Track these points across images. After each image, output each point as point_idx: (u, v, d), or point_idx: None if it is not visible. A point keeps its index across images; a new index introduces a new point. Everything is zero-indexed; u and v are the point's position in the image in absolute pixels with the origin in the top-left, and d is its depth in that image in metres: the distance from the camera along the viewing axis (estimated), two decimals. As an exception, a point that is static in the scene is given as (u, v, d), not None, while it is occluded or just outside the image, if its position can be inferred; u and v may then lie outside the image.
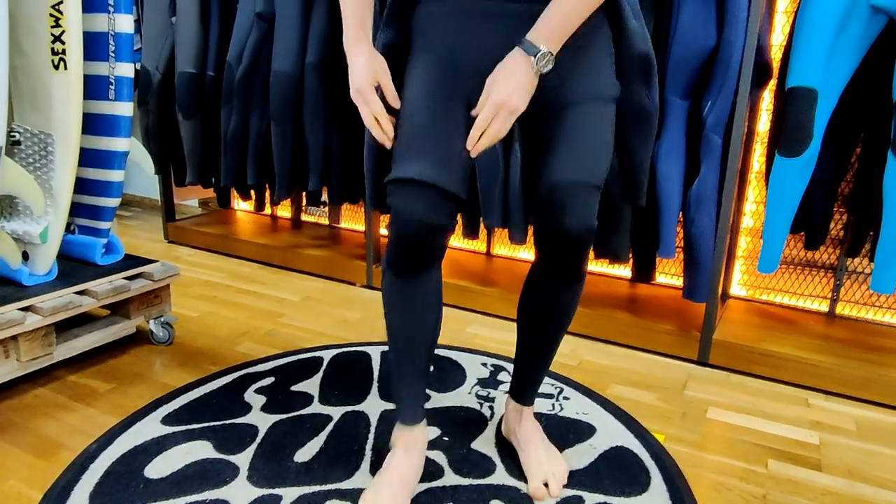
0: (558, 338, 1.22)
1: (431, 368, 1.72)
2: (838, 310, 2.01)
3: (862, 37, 1.47)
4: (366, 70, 1.04)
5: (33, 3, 1.46)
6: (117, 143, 1.65)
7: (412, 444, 1.20)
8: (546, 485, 1.21)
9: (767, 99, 1.92)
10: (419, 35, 1.10)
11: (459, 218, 2.22)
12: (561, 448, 1.36)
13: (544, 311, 1.18)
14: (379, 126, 1.05)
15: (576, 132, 1.03)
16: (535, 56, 0.97)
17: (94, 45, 1.58)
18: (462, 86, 1.05)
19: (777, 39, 1.89)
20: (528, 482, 1.23)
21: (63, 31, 1.45)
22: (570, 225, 1.02)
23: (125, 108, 1.63)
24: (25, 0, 1.47)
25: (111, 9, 1.54)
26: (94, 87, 1.61)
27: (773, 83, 1.83)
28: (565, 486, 1.24)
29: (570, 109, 1.04)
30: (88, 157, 1.67)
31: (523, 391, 1.30)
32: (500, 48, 1.01)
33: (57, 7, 1.44)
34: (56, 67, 1.48)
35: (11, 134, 1.57)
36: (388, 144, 1.07)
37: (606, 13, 1.07)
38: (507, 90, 0.98)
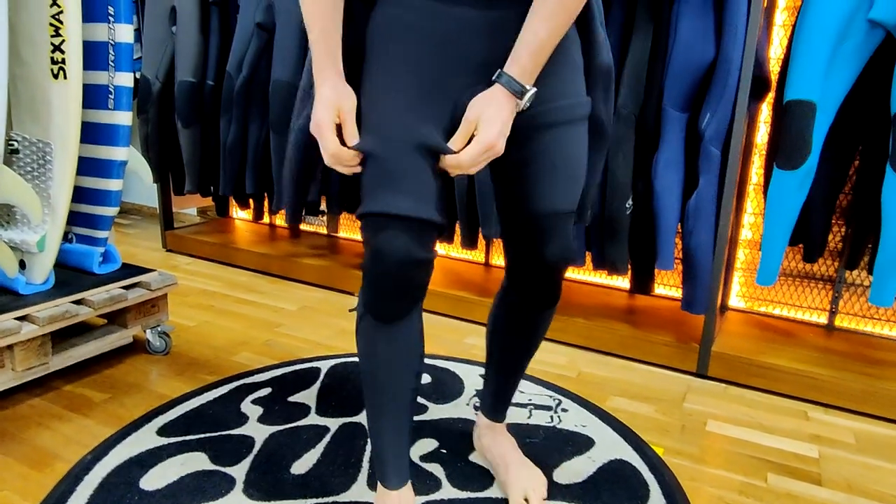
0: (530, 356, 1.21)
1: (429, 379, 1.71)
2: (837, 322, 2.01)
3: (860, 50, 1.48)
4: (327, 106, 0.94)
5: (33, 12, 1.46)
6: (116, 153, 1.64)
7: None
8: (526, 500, 1.20)
9: (766, 111, 1.93)
10: (378, 42, 0.98)
11: (458, 228, 2.22)
12: (559, 461, 1.35)
13: (518, 335, 1.16)
14: (340, 164, 0.96)
15: (554, 158, 0.99)
16: (521, 97, 0.91)
17: (94, 55, 1.58)
18: (434, 103, 0.96)
19: (775, 52, 1.90)
20: (509, 500, 1.21)
21: (63, 41, 1.45)
22: (551, 253, 1.01)
23: (124, 118, 1.62)
24: (26, 9, 1.47)
25: (111, 18, 1.55)
26: (94, 97, 1.61)
27: (771, 96, 1.84)
28: (563, 500, 1.23)
29: (546, 132, 0.98)
30: (87, 166, 1.67)
31: (495, 408, 1.29)
32: (478, 63, 0.95)
33: (57, 17, 1.44)
34: (56, 77, 1.48)
35: (10, 143, 1.57)
36: (354, 172, 0.98)
37: (576, 22, 1.01)
38: (495, 132, 0.90)
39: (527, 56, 0.91)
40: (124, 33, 1.56)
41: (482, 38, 0.95)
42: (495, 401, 1.28)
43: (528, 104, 0.93)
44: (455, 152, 0.92)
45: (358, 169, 0.96)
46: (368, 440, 1.41)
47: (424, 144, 0.93)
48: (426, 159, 0.94)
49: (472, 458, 1.36)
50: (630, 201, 1.82)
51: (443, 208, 0.97)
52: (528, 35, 0.90)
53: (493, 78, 0.93)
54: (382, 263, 0.92)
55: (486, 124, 0.90)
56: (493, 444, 1.30)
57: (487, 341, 1.23)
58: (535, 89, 0.92)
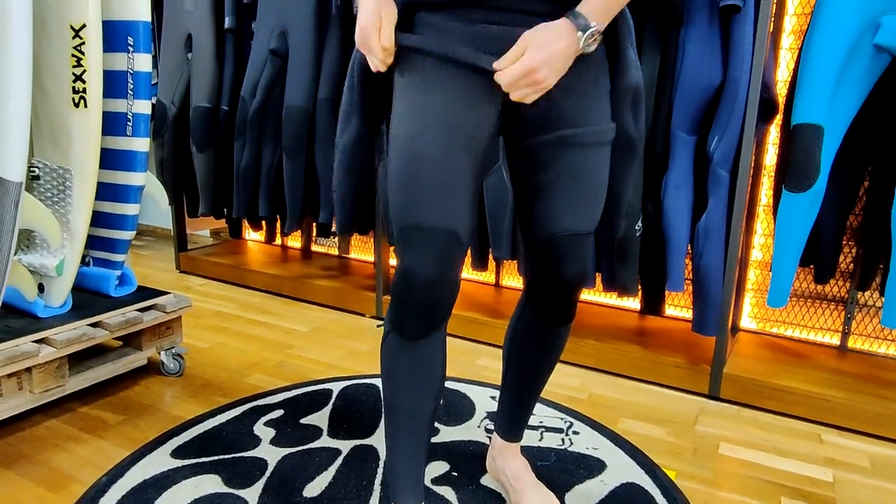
0: (547, 375, 1.22)
1: (440, 401, 1.71)
2: (850, 343, 2.00)
3: (866, 74, 1.49)
4: (371, 11, 0.94)
5: (57, 44, 1.51)
6: (133, 178, 1.68)
7: None
8: None
9: (774, 133, 1.94)
10: (412, 50, 0.98)
11: (469, 250, 2.24)
12: (570, 484, 1.35)
13: (534, 353, 1.17)
14: (377, 58, 0.95)
15: (576, 180, 1.00)
16: (584, 32, 0.87)
17: (114, 84, 1.62)
18: (469, 117, 0.96)
19: (782, 75, 1.92)
20: None
21: (84, 71, 1.50)
22: (569, 273, 1.03)
23: (142, 144, 1.66)
24: (49, 41, 1.52)
25: (131, 49, 1.59)
26: (113, 124, 1.65)
27: (779, 118, 1.85)
28: (575, 524, 1.22)
29: (569, 153, 0.99)
30: (105, 191, 1.70)
31: (510, 428, 1.29)
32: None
33: (79, 48, 1.49)
34: (76, 105, 1.52)
35: (31, 169, 1.61)
36: (384, 67, 0.98)
37: (605, 42, 1.01)
38: (541, 57, 0.86)
39: (600, 2, 0.88)
40: (143, 63, 1.61)
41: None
42: (510, 421, 1.28)
43: (591, 48, 0.89)
44: (492, 70, 0.90)
45: (386, 65, 0.97)
46: (381, 462, 1.42)
47: (462, 155, 0.95)
48: (465, 173, 0.96)
49: (484, 481, 1.36)
50: (640, 223, 1.83)
51: (474, 223, 0.99)
52: None
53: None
54: (415, 279, 0.95)
55: (534, 47, 0.87)
56: (507, 466, 1.30)
57: (504, 360, 1.25)
58: (599, 27, 0.88)
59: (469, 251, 2.22)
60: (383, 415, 1.09)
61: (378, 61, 0.96)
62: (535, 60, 0.86)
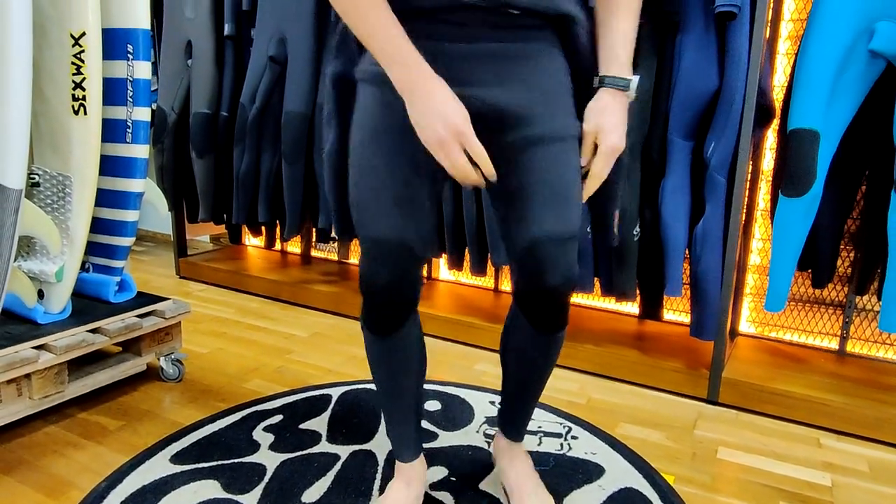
0: (545, 377, 1.20)
1: (439, 406, 1.72)
2: (849, 347, 2.00)
3: (861, 80, 1.50)
4: (459, 109, 0.90)
5: (56, 51, 1.52)
6: (133, 185, 1.69)
7: (411, 478, 1.24)
8: None
9: (772, 138, 1.95)
10: (378, 68, 0.98)
11: (467, 254, 2.25)
12: (569, 489, 1.35)
13: (529, 358, 1.17)
14: (467, 178, 0.93)
15: (545, 177, 1.00)
16: (629, 89, 0.98)
17: (113, 91, 1.63)
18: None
19: (779, 80, 1.93)
20: None
21: (84, 79, 1.50)
22: (553, 280, 1.01)
23: (141, 151, 1.67)
24: (49, 48, 1.53)
25: (130, 56, 1.60)
26: (112, 131, 1.66)
27: (776, 123, 1.86)
28: (574, 529, 1.23)
29: (534, 152, 1.00)
30: (104, 198, 1.71)
31: (512, 426, 1.29)
32: (483, 88, 0.98)
33: (79, 56, 1.50)
34: (76, 113, 1.53)
35: (31, 176, 1.62)
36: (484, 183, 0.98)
37: (563, 50, 1.04)
38: (618, 134, 0.98)
39: (622, 51, 0.98)
40: (143, 70, 1.62)
41: (495, 66, 0.99)
42: (512, 420, 1.28)
43: (635, 93, 0.99)
44: (586, 169, 1.01)
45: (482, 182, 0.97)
46: (379, 468, 1.42)
47: (420, 166, 0.99)
48: (424, 182, 1.01)
49: (482, 486, 1.36)
50: (637, 228, 1.84)
51: (433, 233, 1.06)
52: (618, 34, 0.98)
53: (595, 86, 0.99)
54: (370, 287, 1.04)
55: (607, 133, 0.98)
56: (510, 468, 1.29)
57: (501, 364, 1.25)
58: (637, 77, 0.99)
59: (468, 256, 2.23)
60: (376, 388, 1.21)
61: (476, 177, 0.93)
62: (614, 142, 0.98)
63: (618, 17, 0.98)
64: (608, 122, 0.97)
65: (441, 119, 0.89)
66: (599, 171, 1.00)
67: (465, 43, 0.97)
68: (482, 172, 0.94)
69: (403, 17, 0.92)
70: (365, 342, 1.15)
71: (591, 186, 1.02)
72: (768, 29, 1.67)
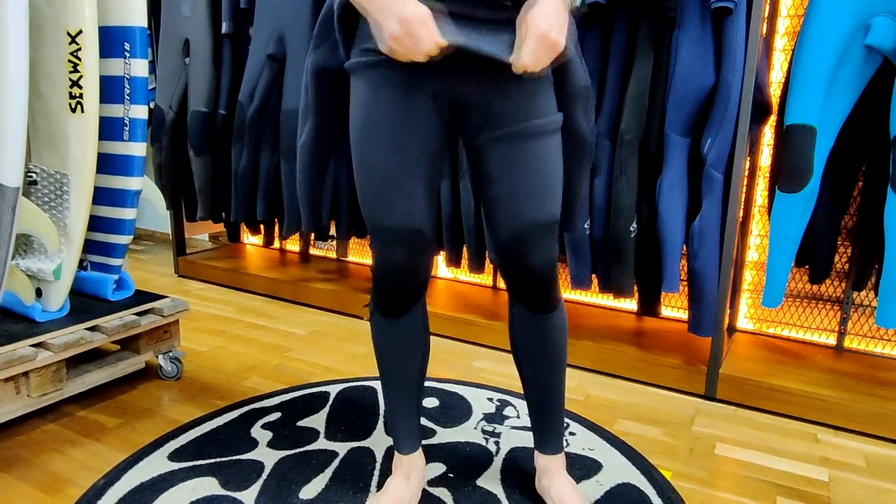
0: (557, 371, 1.21)
1: (437, 403, 1.72)
2: (846, 343, 2.00)
3: (858, 75, 1.50)
4: (418, 4, 0.91)
5: (53, 49, 1.52)
6: (131, 183, 1.69)
7: (410, 471, 1.26)
8: None
9: (769, 134, 1.95)
10: (367, 58, 1.02)
11: (465, 251, 2.25)
12: (567, 485, 1.35)
13: (534, 346, 1.19)
14: (422, 53, 0.93)
15: (530, 170, 1.05)
16: None
17: (110, 89, 1.63)
18: (418, 122, 1.03)
19: (777, 76, 1.93)
20: None
21: (81, 77, 1.51)
22: (534, 263, 1.08)
23: (139, 149, 1.67)
24: (46, 46, 1.53)
25: (127, 54, 1.60)
26: (110, 129, 1.66)
27: (773, 119, 1.86)
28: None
29: (520, 146, 1.04)
30: (102, 196, 1.71)
31: (543, 437, 1.26)
32: (469, 80, 1.01)
33: (76, 54, 1.50)
34: (73, 111, 1.53)
35: (28, 174, 1.62)
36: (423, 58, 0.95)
37: None
38: (544, 24, 0.93)
39: None
40: (139, 68, 1.62)
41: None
42: (540, 430, 1.26)
43: (577, 1, 1.00)
44: (508, 61, 0.96)
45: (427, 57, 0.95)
46: (377, 465, 1.42)
47: (422, 155, 1.04)
48: (425, 171, 1.05)
49: (480, 482, 1.36)
50: (635, 224, 1.84)
51: (435, 219, 1.11)
52: None
53: None
54: (385, 271, 1.10)
55: (534, 20, 0.94)
56: (550, 487, 1.25)
57: (516, 364, 1.26)
58: None
59: (465, 254, 2.23)
60: (380, 377, 1.24)
61: (423, 55, 0.93)
62: (541, 28, 0.93)
63: None
64: (537, 11, 0.94)
65: (394, 18, 0.90)
66: (528, 56, 0.94)
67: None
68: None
69: None
70: (373, 329, 1.20)
71: (519, 67, 0.96)
72: (765, 25, 1.67)
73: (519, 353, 1.23)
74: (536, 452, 1.29)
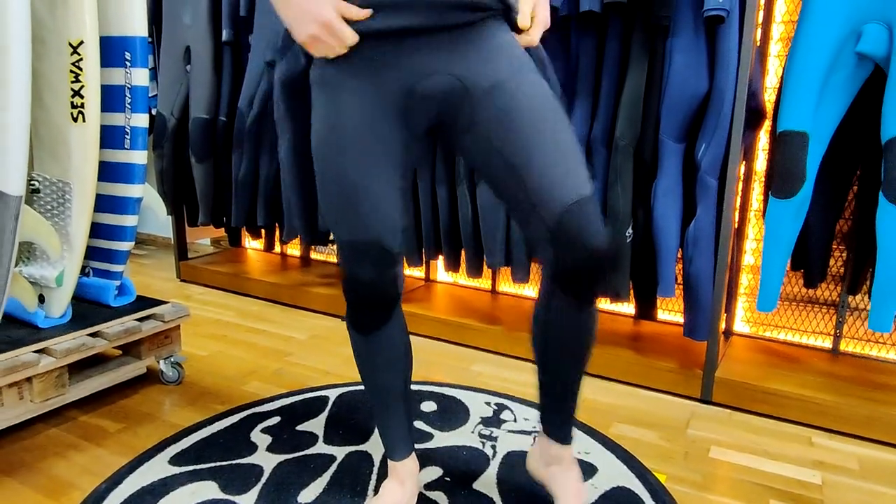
0: (587, 357, 1.12)
1: (434, 407, 1.74)
2: (842, 346, 2.01)
3: (850, 81, 1.51)
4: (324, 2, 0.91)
5: (55, 60, 1.55)
6: (132, 190, 1.71)
7: (404, 476, 1.26)
8: None
9: (764, 139, 1.96)
10: (331, 66, 1.01)
11: (463, 255, 2.27)
12: (562, 488, 1.37)
13: (567, 337, 1.09)
14: (336, 41, 0.94)
15: (524, 116, 0.98)
16: None
17: (112, 98, 1.66)
18: (381, 128, 1.01)
19: (772, 82, 1.94)
20: None
21: (82, 86, 1.53)
22: (595, 241, 0.96)
23: (140, 157, 1.69)
24: (48, 57, 1.55)
25: (128, 63, 1.63)
26: (111, 137, 1.68)
27: (768, 124, 1.88)
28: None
29: (508, 92, 0.98)
30: (104, 203, 1.73)
31: (556, 427, 1.20)
32: (437, 73, 0.99)
33: (77, 64, 1.52)
34: (75, 120, 1.55)
35: (31, 182, 1.64)
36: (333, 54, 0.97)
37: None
38: (545, 10, 1.06)
39: None
40: (140, 77, 1.64)
41: (445, 53, 0.99)
42: (558, 419, 1.19)
43: None
44: (520, 30, 1.05)
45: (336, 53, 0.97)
46: (375, 469, 1.44)
47: (387, 162, 1.03)
48: (391, 181, 1.03)
49: (476, 486, 1.38)
50: (630, 229, 1.86)
51: (403, 233, 1.08)
52: None
53: None
54: (352, 287, 1.09)
55: (543, 6, 1.06)
56: (563, 477, 1.21)
57: (536, 352, 1.15)
58: None
59: (464, 258, 2.25)
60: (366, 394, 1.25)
61: (334, 49, 0.94)
62: (546, 12, 1.06)
63: None
64: None
65: (310, 16, 0.91)
66: (534, 39, 1.05)
67: (425, 36, 0.97)
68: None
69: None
70: (351, 341, 1.19)
71: (525, 42, 1.05)
72: (758, 32, 1.69)
73: (549, 347, 1.12)
74: (545, 440, 1.22)
